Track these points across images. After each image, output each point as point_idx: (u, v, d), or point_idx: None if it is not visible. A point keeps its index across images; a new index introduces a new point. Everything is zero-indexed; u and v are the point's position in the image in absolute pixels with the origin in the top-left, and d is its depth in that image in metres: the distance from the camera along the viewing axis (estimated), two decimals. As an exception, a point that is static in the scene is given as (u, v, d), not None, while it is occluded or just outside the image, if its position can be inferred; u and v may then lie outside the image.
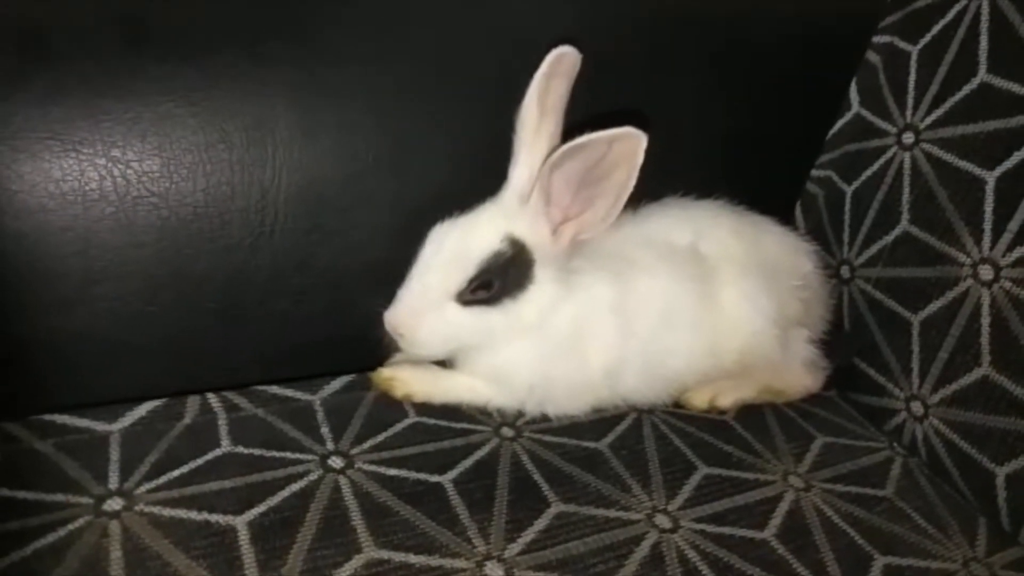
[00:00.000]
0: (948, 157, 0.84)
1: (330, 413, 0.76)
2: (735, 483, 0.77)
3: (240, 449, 0.70)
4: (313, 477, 0.68)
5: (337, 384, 0.81)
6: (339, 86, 0.78)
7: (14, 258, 0.69)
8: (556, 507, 0.70)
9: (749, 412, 0.89)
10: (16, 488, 0.62)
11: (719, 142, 1.01)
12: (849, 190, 0.96)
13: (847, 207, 0.97)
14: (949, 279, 0.84)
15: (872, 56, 0.96)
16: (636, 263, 0.81)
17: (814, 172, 1.03)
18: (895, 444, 0.89)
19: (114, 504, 0.62)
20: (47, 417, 0.70)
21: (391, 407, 0.79)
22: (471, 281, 0.73)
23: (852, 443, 0.88)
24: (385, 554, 0.62)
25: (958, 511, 0.80)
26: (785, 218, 1.00)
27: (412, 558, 0.62)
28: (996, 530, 0.79)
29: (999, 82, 0.80)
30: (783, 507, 0.75)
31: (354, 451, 0.72)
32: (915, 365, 0.88)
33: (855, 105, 0.97)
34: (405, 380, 0.80)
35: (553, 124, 0.74)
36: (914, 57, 0.89)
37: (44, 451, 0.66)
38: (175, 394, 0.74)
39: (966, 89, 0.83)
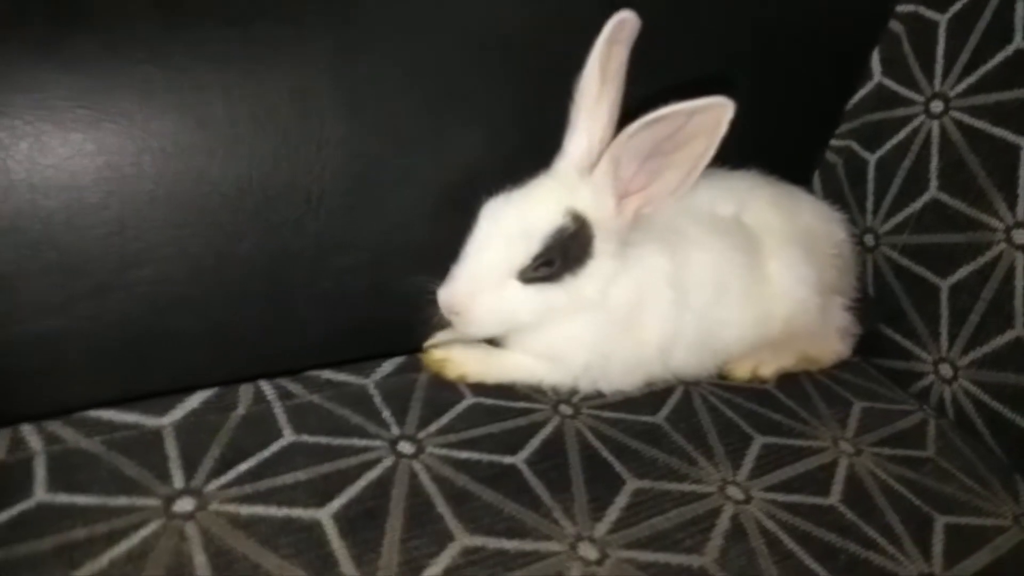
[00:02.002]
0: (980, 124, 0.86)
1: (388, 397, 0.73)
2: (792, 451, 0.78)
3: (305, 438, 0.66)
4: (387, 464, 0.65)
5: (388, 367, 0.77)
6: (382, 58, 0.73)
7: (45, 239, 0.62)
8: (632, 483, 0.69)
9: (787, 381, 0.90)
10: (74, 492, 0.57)
11: (737, 112, 1.00)
12: (872, 159, 0.98)
13: (870, 176, 0.98)
14: (981, 244, 0.86)
15: (895, 25, 0.96)
16: (687, 235, 0.80)
17: (833, 142, 1.04)
18: (924, 406, 0.92)
19: (185, 504, 0.57)
20: (91, 413, 0.64)
21: (446, 388, 0.76)
22: (536, 258, 0.70)
23: (887, 407, 0.89)
24: (479, 540, 0.59)
25: (996, 469, 0.83)
26: (803, 188, 1.01)
27: (506, 543, 0.60)
28: (1034, 485, 0.83)
29: (1034, 49, 0.82)
30: (841, 473, 0.76)
31: (421, 435, 0.69)
32: (943, 329, 0.90)
33: (877, 75, 0.98)
34: (458, 361, 0.77)
35: (614, 92, 0.72)
36: (943, 26, 0.91)
37: (93, 450, 0.61)
38: (222, 383, 0.70)
39: (1000, 56, 0.84)
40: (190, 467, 0.61)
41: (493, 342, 0.80)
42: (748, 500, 0.70)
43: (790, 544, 0.66)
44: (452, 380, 0.77)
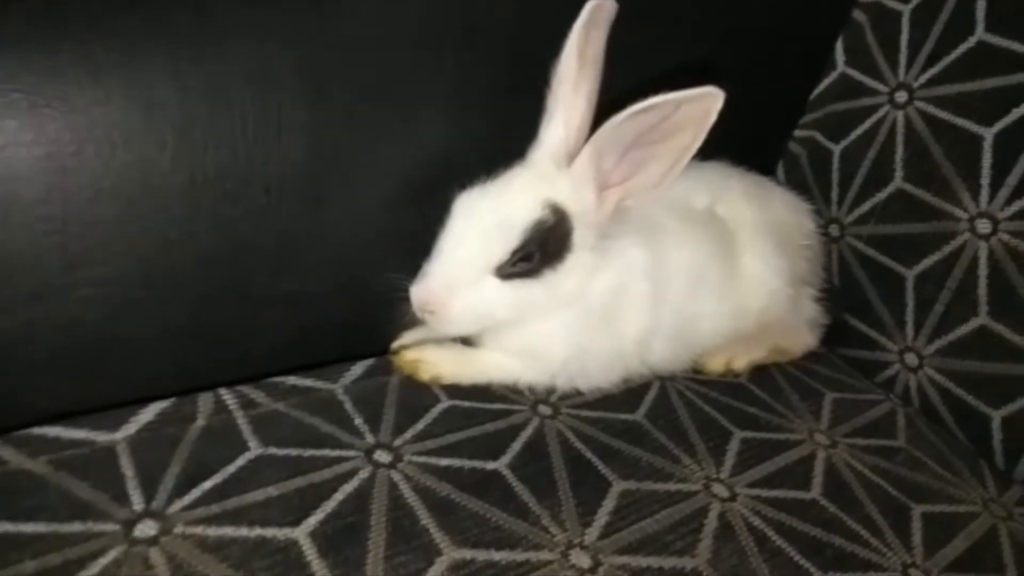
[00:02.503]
0: (944, 115, 0.87)
1: (358, 402, 0.69)
2: (770, 445, 0.77)
3: (273, 450, 0.61)
4: (364, 475, 0.61)
5: (358, 370, 0.73)
6: (346, 37, 0.69)
7: (-24, 239, 0.56)
8: (618, 485, 0.66)
9: (759, 373, 0.89)
10: (19, 520, 0.51)
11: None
12: (837, 149, 0.98)
13: (835, 166, 0.98)
14: (946, 233, 0.87)
15: (859, 15, 0.97)
16: (664, 228, 0.78)
17: (797, 132, 1.04)
18: (891, 395, 0.92)
19: (147, 528, 0.52)
20: (35, 430, 0.58)
21: (420, 391, 0.72)
22: (514, 253, 0.67)
23: (856, 397, 0.90)
24: (467, 553, 0.56)
25: (962, 455, 0.84)
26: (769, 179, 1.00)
27: (496, 555, 0.57)
28: (995, 470, 0.84)
29: (997, 40, 0.83)
30: (819, 466, 0.76)
31: (397, 442, 0.65)
32: (909, 318, 0.91)
33: (840, 64, 0.98)
34: (432, 362, 0.73)
35: (592, 79, 0.69)
36: (906, 16, 0.91)
37: (40, 472, 0.55)
38: (179, 392, 0.64)
39: (962, 48, 0.85)
40: (149, 486, 0.55)
41: (466, 340, 0.76)
42: (733, 497, 0.69)
43: (778, 541, 0.65)
44: (426, 382, 0.73)
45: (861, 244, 0.95)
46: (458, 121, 0.76)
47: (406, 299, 0.70)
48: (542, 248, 0.68)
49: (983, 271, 0.84)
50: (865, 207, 0.94)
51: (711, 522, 0.65)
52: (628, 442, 0.72)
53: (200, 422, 0.63)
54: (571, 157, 0.71)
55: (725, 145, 0.89)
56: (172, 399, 0.64)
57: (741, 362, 0.87)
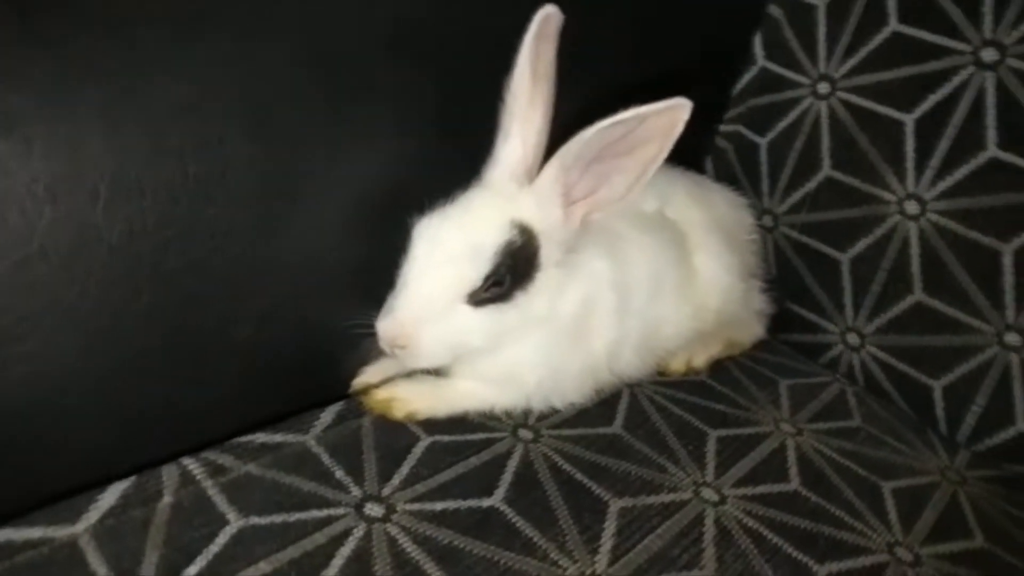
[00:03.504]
0: (866, 103, 0.90)
1: (335, 452, 0.64)
2: (743, 441, 0.78)
3: (255, 520, 0.56)
4: (359, 533, 0.56)
5: (327, 417, 0.68)
6: (286, 58, 0.64)
7: None
8: (614, 504, 0.65)
9: (716, 368, 0.90)
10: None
11: (621, 101, 0.99)
12: (763, 142, 1.00)
13: (763, 159, 1.00)
14: (877, 216, 0.91)
15: (774, 10, 0.99)
16: (622, 235, 0.77)
17: (722, 127, 1.06)
18: (836, 375, 0.96)
19: (134, 631, 0.47)
20: (-22, 536, 0.50)
21: (396, 430, 0.68)
22: (487, 278, 0.65)
23: (807, 381, 0.92)
24: (485, 602, 0.53)
25: (911, 426, 0.88)
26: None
27: (513, 599, 0.54)
28: (940, 437, 0.89)
29: (909, 30, 0.87)
30: (792, 455, 0.77)
31: (386, 491, 0.61)
32: (847, 300, 0.94)
33: (760, 59, 1.01)
34: (405, 398, 0.70)
35: (546, 92, 0.67)
36: (822, 10, 0.94)
37: (-8, 585, 0.48)
38: (139, 468, 0.58)
39: (878, 39, 0.89)
40: (126, 582, 0.50)
41: (436, 370, 0.73)
42: (723, 500, 0.69)
43: (773, 538, 0.66)
44: (400, 420, 0.69)
45: (795, 233, 0.98)
46: (408, 138, 0.72)
47: (371, 335, 0.67)
48: (512, 271, 0.66)
49: (915, 250, 0.88)
50: (796, 196, 0.97)
51: (709, 529, 0.65)
52: (614, 456, 0.71)
53: (168, 499, 0.56)
54: (530, 174, 0.69)
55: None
56: (132, 477, 0.57)
57: (700, 359, 0.87)
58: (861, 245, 0.92)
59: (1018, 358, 0.83)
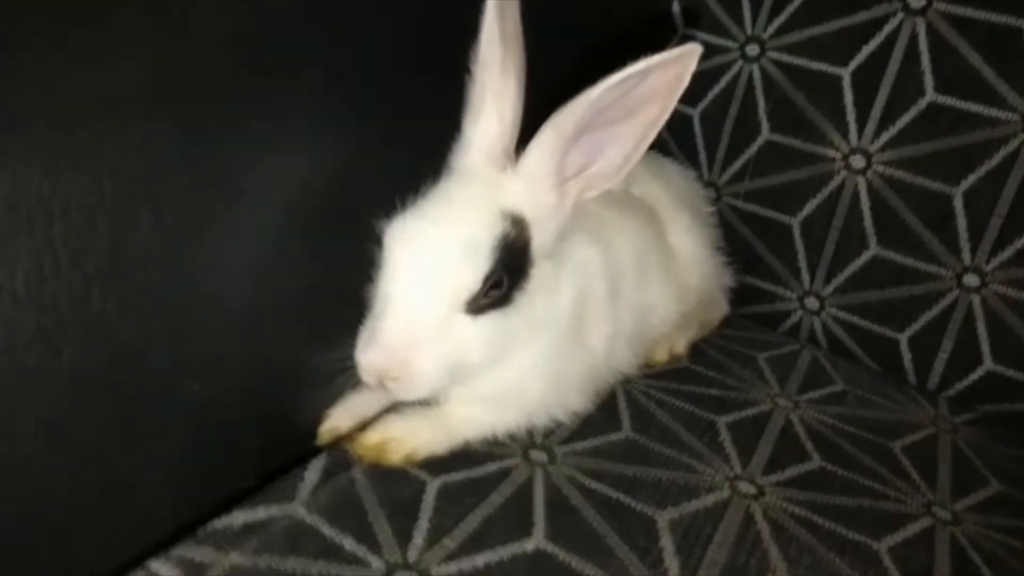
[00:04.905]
0: (799, 61, 0.88)
1: (335, 519, 0.51)
2: (751, 423, 0.73)
3: (266, 627, 0.43)
4: (401, 616, 0.45)
5: (312, 476, 0.55)
6: (207, 45, 0.50)
7: None
8: (660, 517, 0.58)
9: (694, 353, 0.85)
10: None
11: (547, 79, 0.92)
12: (696, 112, 0.96)
13: (697, 130, 0.96)
14: (823, 175, 0.89)
15: (691, -25, 0.96)
16: (602, 218, 0.69)
17: (649, 101, 1.01)
18: (803, 341, 0.93)
19: None
20: None
21: (396, 479, 0.57)
22: (486, 280, 0.54)
23: (780, 352, 0.89)
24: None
25: (888, 382, 0.87)
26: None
27: (605, 656, 0.45)
28: (918, 388, 0.88)
29: (835, -17, 0.86)
30: (801, 431, 0.73)
31: (412, 556, 0.50)
32: (802, 264, 0.92)
33: (681, 27, 0.97)
34: (401, 437, 0.58)
35: (518, 59, 0.58)
36: (743, -29, 0.91)
37: None
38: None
39: (803, -6, 0.87)
40: None
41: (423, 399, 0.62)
42: (761, 491, 0.63)
43: (824, 522, 0.61)
44: (396, 464, 0.58)
45: (740, 202, 0.94)
46: (346, 134, 0.61)
47: (348, 369, 0.55)
48: (509, 268, 0.56)
49: (865, 204, 0.87)
50: (737, 165, 0.94)
51: (763, 527, 0.59)
52: (637, 464, 0.63)
53: (142, 622, 0.42)
54: (509, 155, 0.59)
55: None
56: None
57: (681, 344, 0.82)
58: (810, 206, 0.90)
59: (979, 298, 0.84)
